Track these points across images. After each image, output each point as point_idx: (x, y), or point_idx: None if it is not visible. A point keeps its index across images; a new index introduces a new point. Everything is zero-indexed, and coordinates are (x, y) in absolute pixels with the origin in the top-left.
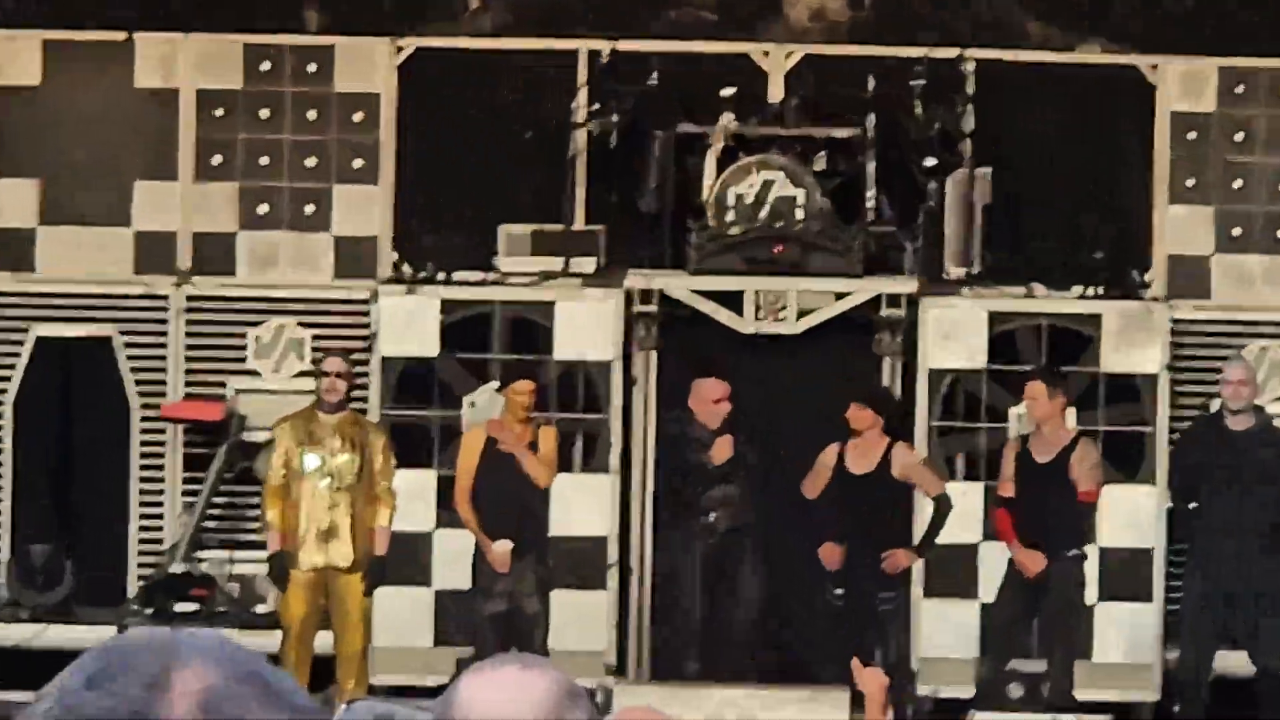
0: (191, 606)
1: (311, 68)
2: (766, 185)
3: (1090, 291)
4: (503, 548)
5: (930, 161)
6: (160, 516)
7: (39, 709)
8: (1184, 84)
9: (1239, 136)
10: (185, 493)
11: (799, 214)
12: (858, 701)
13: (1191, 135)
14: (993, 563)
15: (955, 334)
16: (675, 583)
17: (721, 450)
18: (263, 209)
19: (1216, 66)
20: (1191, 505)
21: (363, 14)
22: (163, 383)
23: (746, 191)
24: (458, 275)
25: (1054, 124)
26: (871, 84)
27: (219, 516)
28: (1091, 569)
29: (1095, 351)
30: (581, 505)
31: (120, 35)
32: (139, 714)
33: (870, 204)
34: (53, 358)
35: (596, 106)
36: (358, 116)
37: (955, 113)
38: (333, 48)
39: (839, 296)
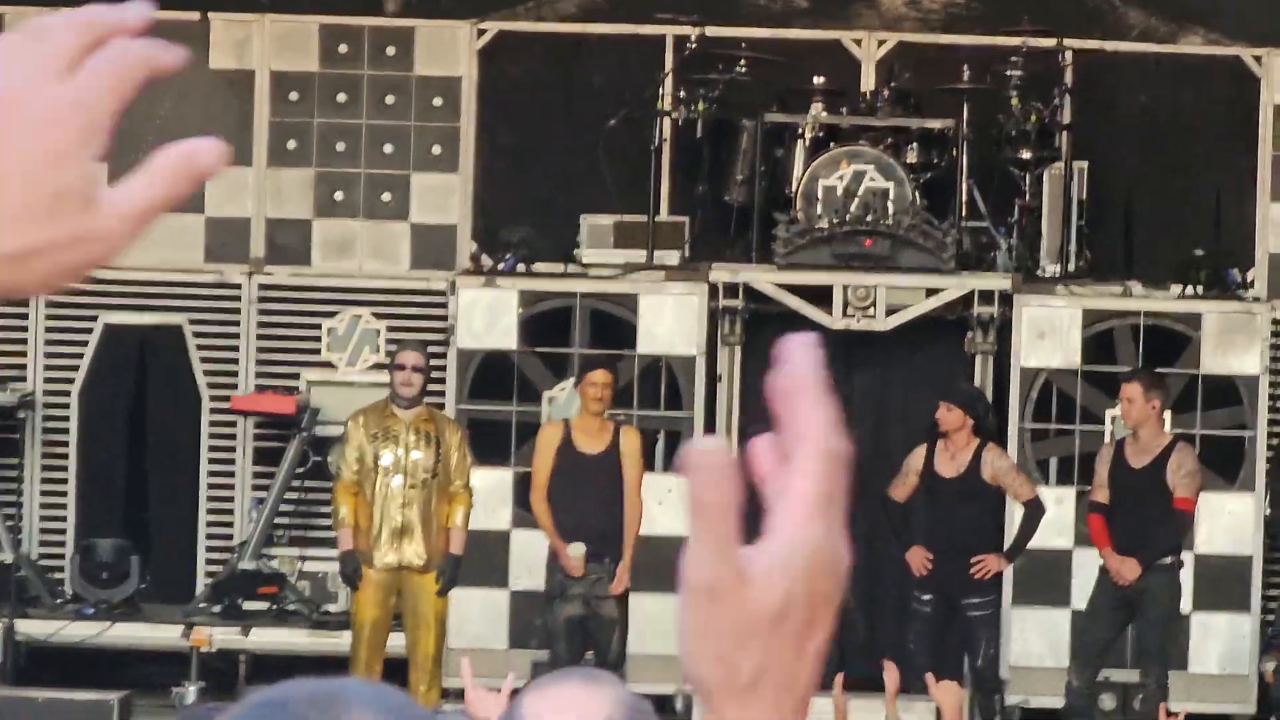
0: (261, 605)
1: (390, 51)
2: (857, 177)
3: (1190, 290)
4: (576, 551)
5: (1026, 155)
6: (230, 511)
7: None
8: None
9: None
10: (255, 487)
11: (890, 207)
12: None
13: None
14: (1086, 570)
15: (1050, 333)
16: None
17: None
18: (338, 196)
19: None
20: None
21: None
22: (234, 374)
23: (836, 184)
24: (538, 266)
25: (1154, 117)
26: (966, 74)
27: (290, 513)
28: (1187, 578)
29: (1194, 353)
30: (663, 506)
31: (195, 15)
32: None
33: (964, 198)
34: (122, 347)
35: (683, 94)
36: (437, 101)
37: (1053, 105)
38: (412, 30)
39: (930, 293)
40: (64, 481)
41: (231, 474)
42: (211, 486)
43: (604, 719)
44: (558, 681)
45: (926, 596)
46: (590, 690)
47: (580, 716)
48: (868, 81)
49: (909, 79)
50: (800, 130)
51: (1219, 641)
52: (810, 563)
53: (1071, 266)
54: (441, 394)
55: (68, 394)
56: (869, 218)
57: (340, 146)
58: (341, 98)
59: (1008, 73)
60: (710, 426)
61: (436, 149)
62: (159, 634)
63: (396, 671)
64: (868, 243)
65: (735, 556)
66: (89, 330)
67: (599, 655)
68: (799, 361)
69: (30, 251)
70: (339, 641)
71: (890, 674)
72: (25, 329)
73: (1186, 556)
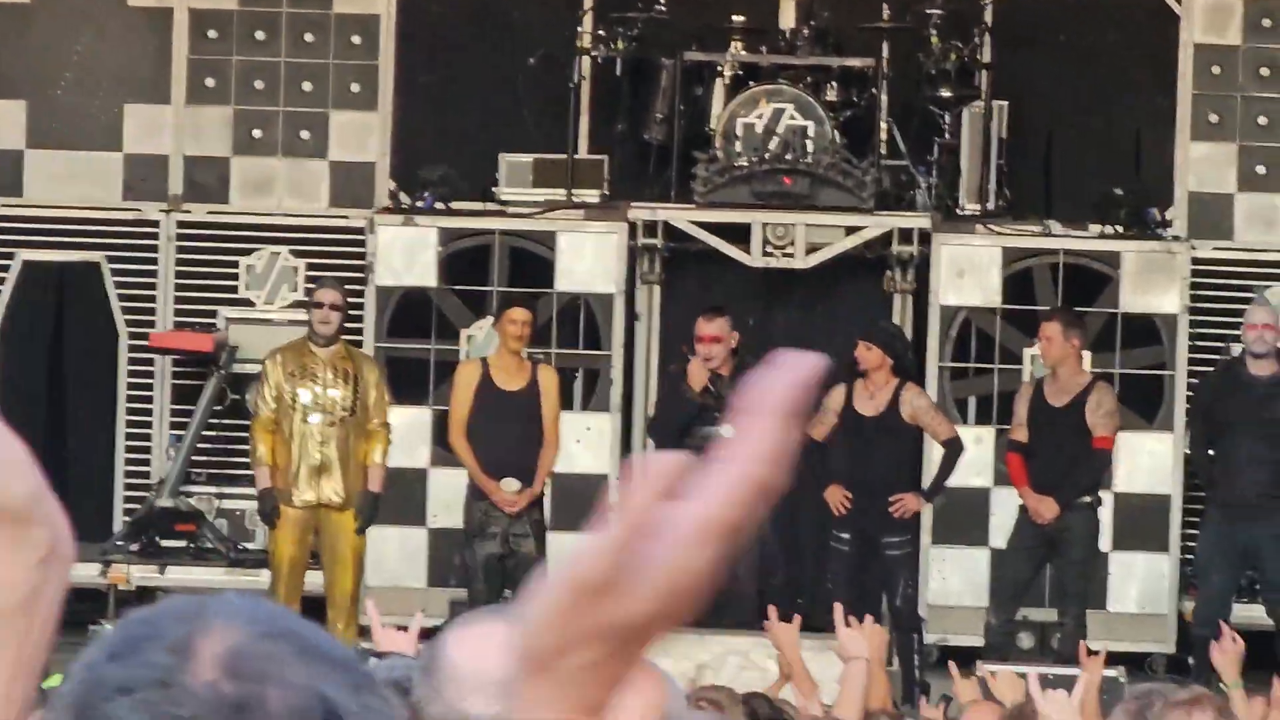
0: (179, 543)
1: None
2: (776, 116)
3: (1109, 229)
4: (510, 486)
5: (947, 94)
6: (148, 449)
7: (63, 690)
8: (1209, 16)
9: (1264, 71)
10: (173, 425)
11: (809, 146)
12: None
13: (1216, 69)
14: (1004, 509)
15: (969, 271)
16: None
17: (697, 375)
18: (257, 133)
19: None
20: (1210, 452)
21: None
22: (152, 311)
23: (755, 122)
24: (457, 204)
25: (1074, 56)
26: (886, 12)
27: (208, 450)
28: (1106, 517)
29: (1114, 292)
30: (581, 444)
31: None
32: (163, 681)
33: (883, 137)
34: (40, 284)
35: (602, 32)
36: (356, 39)
37: (973, 44)
38: None
39: (849, 231)
40: None
41: (149, 412)
42: (130, 424)
43: None
44: (480, 621)
45: (845, 535)
46: (510, 630)
47: (502, 655)
48: (787, 20)
49: (828, 17)
50: (720, 69)
51: (1138, 580)
52: (681, 588)
53: (991, 205)
54: (360, 332)
55: None
56: (788, 156)
57: (259, 84)
58: (260, 35)
59: (928, 11)
60: (629, 365)
61: (355, 87)
62: (76, 571)
63: (314, 609)
64: (787, 181)
65: (629, 564)
66: (6, 268)
67: (517, 593)
68: (780, 380)
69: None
70: (257, 579)
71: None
72: None
73: (1105, 496)
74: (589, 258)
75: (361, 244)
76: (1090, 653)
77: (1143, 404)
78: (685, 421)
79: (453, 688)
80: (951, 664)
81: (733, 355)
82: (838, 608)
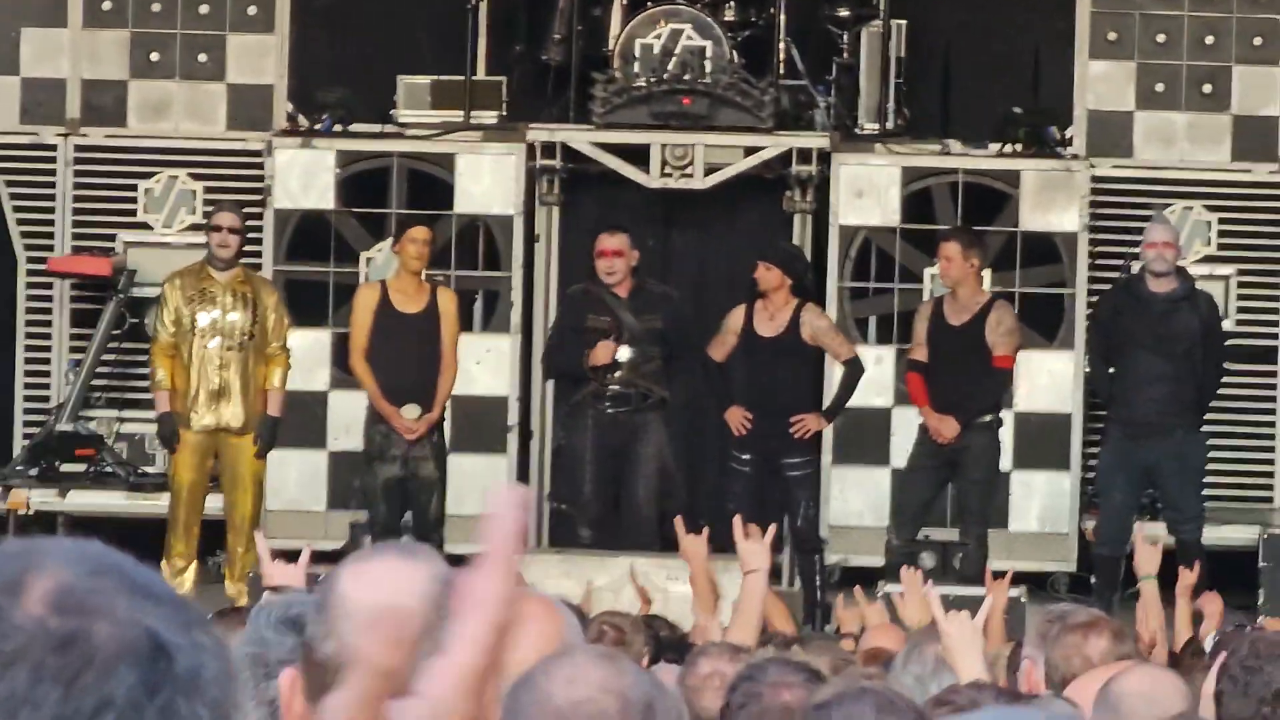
0: (78, 467)
1: None
2: (674, 36)
3: (1008, 148)
4: (411, 413)
5: (844, 13)
6: (47, 374)
7: None
8: None
9: None
10: (72, 350)
11: (707, 66)
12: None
13: None
14: (905, 429)
15: (868, 191)
16: (569, 454)
17: (600, 354)
18: (154, 56)
19: None
20: (1110, 370)
21: None
22: (50, 236)
23: (653, 43)
24: (355, 127)
25: None
26: None
27: (107, 375)
28: (1007, 436)
29: (1013, 210)
30: (480, 365)
31: None
32: None
33: (782, 56)
34: None
35: None
36: None
37: None
38: None
39: (748, 152)
40: None
41: (48, 336)
42: (28, 349)
43: (420, 594)
44: (373, 557)
45: (746, 456)
46: (406, 565)
47: (396, 592)
48: None
49: None
50: None
51: (1039, 499)
52: None
53: (890, 125)
54: (258, 255)
55: None
56: (687, 76)
57: (156, 7)
58: None
59: None
60: (529, 286)
61: (252, 9)
62: None
63: (215, 532)
64: (686, 101)
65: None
66: None
67: (417, 516)
68: (503, 523)
69: None
70: (157, 503)
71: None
72: None
73: (1006, 415)
74: (487, 179)
75: (260, 167)
76: (995, 575)
77: (1043, 323)
78: (577, 373)
79: (347, 624)
80: (857, 588)
81: (632, 274)
82: (736, 520)
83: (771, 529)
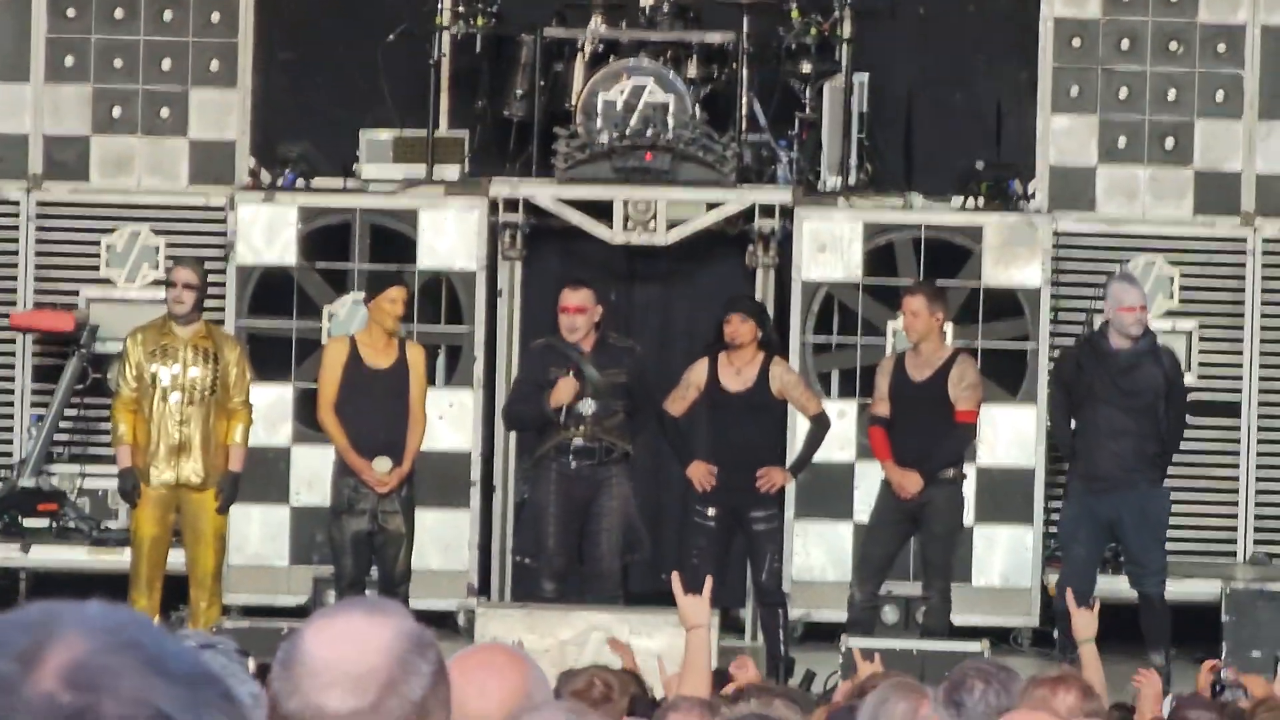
0: (41, 522)
1: None
2: (636, 91)
3: (971, 202)
4: (382, 466)
5: (807, 68)
6: (9, 429)
7: None
8: None
9: (1124, 44)
10: (35, 404)
11: (670, 121)
12: (728, 624)
13: (1076, 42)
14: (868, 483)
15: (831, 246)
16: (532, 508)
17: (561, 391)
18: (117, 112)
19: None
20: (1072, 425)
21: None
22: (13, 291)
23: (616, 98)
24: (318, 181)
25: (934, 29)
26: None
27: (69, 430)
28: (969, 490)
29: (975, 265)
30: (444, 420)
31: None
32: (2, 688)
33: (744, 112)
34: None
35: (461, 9)
36: (215, 16)
37: (833, 18)
38: None
39: (710, 207)
40: None
41: (11, 391)
42: None
43: (386, 651)
44: (339, 612)
45: (710, 510)
46: (372, 621)
47: (362, 648)
48: None
49: None
50: (580, 44)
51: (1001, 554)
52: None
53: (852, 179)
54: (221, 310)
55: None
56: (649, 132)
57: (118, 63)
58: (119, 13)
59: None
60: (491, 340)
61: (215, 64)
62: None
63: (177, 588)
64: (648, 157)
65: None
66: None
67: (383, 570)
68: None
69: None
70: (119, 559)
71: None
72: None
73: (968, 469)
74: (450, 234)
75: (222, 222)
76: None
77: (1005, 377)
78: (540, 423)
79: (310, 682)
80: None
81: (595, 329)
82: (675, 577)
83: (709, 582)
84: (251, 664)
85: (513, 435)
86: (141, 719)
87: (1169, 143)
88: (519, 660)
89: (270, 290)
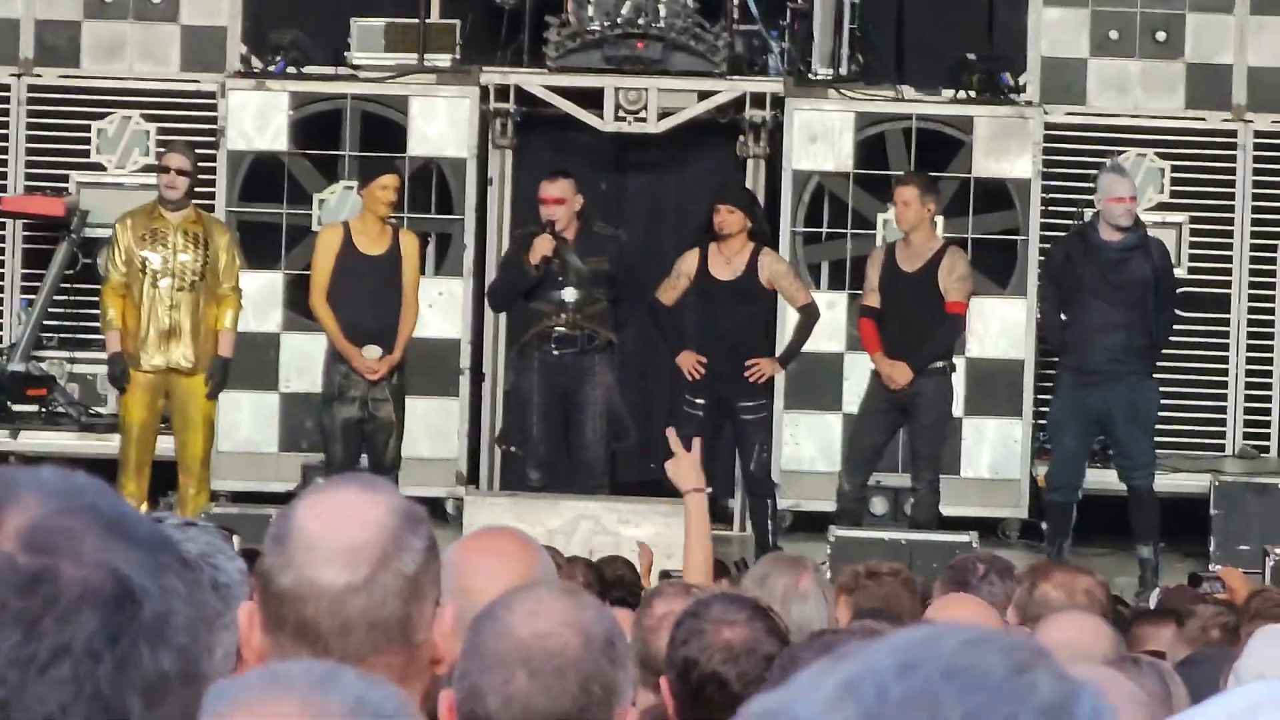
0: (30, 407)
1: None
2: None
3: (962, 94)
4: (372, 354)
5: None
6: None
7: None
8: None
9: None
10: (24, 290)
11: (661, 10)
12: (717, 514)
13: None
14: (857, 374)
15: (822, 136)
16: (516, 397)
17: (539, 247)
18: None
19: None
20: (1062, 317)
21: None
22: (3, 175)
23: None
24: (309, 69)
25: None
26: None
27: (59, 315)
28: (959, 382)
29: (966, 156)
30: (433, 309)
31: None
32: None
33: (736, 1)
34: None
35: None
36: None
37: None
38: None
39: (702, 96)
40: None
41: (1, 276)
42: None
43: (379, 526)
44: (332, 489)
45: (699, 400)
46: (365, 498)
47: (356, 524)
48: None
49: None
50: None
51: (990, 446)
52: None
53: (844, 70)
54: (211, 196)
55: None
56: (641, 21)
57: None
58: None
59: None
60: (481, 229)
61: None
62: None
63: (167, 474)
64: (640, 46)
65: None
66: None
67: (373, 458)
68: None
69: None
70: (108, 444)
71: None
72: None
73: (958, 361)
74: (441, 122)
75: (213, 108)
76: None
77: (995, 269)
78: (522, 288)
79: (304, 556)
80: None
81: (578, 219)
82: (670, 433)
83: (697, 443)
84: (236, 542)
85: (502, 324)
86: (100, 581)
87: (1161, 35)
88: (528, 545)
89: (261, 177)
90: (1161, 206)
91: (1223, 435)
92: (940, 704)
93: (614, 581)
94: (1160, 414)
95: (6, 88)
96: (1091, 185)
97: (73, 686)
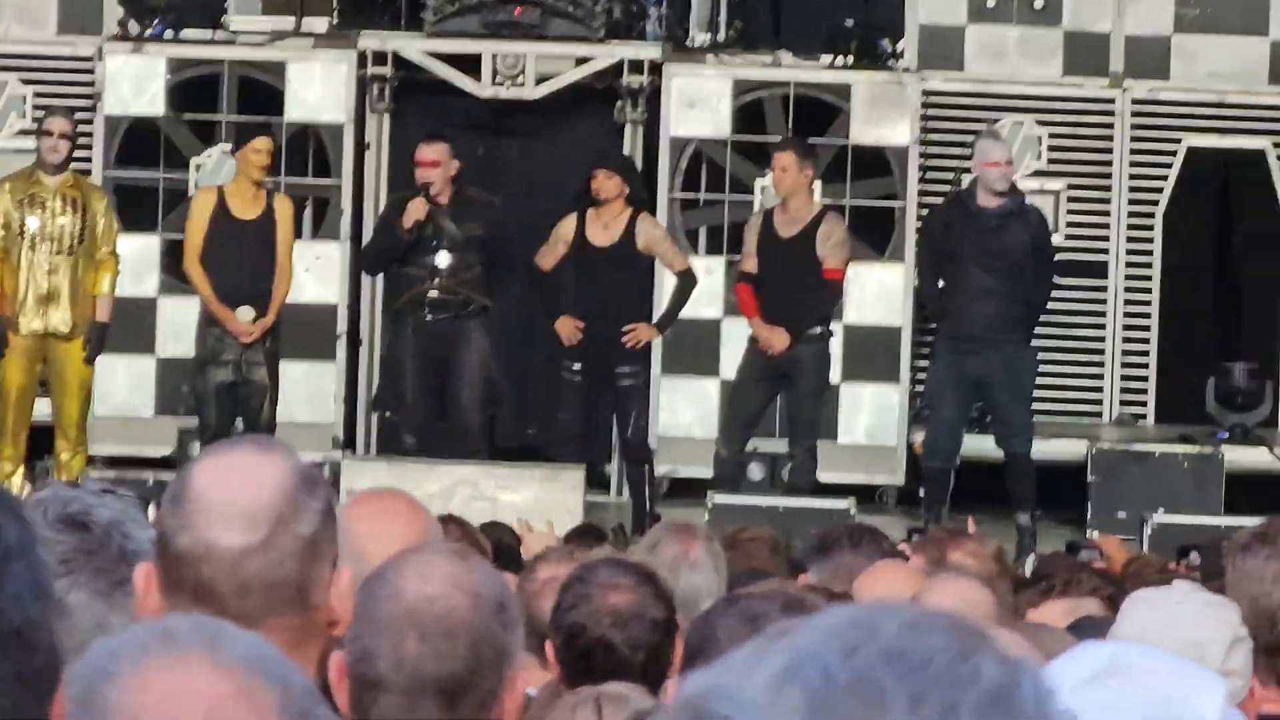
0: None
1: None
2: None
3: (840, 61)
4: (245, 315)
5: None
6: None
7: None
8: None
9: None
10: None
11: None
12: (594, 479)
13: None
14: (735, 340)
15: (699, 102)
16: (390, 362)
17: (412, 210)
18: None
19: None
20: (940, 284)
21: None
22: None
23: None
24: (186, 33)
25: None
26: None
27: None
28: (837, 348)
29: (844, 123)
30: (309, 273)
31: None
32: None
33: None
34: None
35: None
36: None
37: None
38: None
39: (580, 62)
40: None
41: None
42: None
43: (277, 488)
44: (229, 450)
45: (577, 366)
46: (263, 459)
47: (253, 485)
48: None
49: None
50: None
51: (868, 412)
52: None
53: (721, 36)
54: (88, 161)
55: None
56: None
57: None
58: None
59: None
60: (359, 194)
61: None
62: None
63: (43, 437)
64: (517, 11)
65: None
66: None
67: (248, 421)
68: None
69: None
70: None
71: None
72: None
73: (836, 327)
74: (318, 87)
75: (90, 72)
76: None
77: (873, 235)
78: (395, 252)
79: (201, 518)
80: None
81: (453, 183)
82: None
83: None
84: (152, 511)
85: (379, 288)
86: None
87: (1039, 3)
88: (418, 507)
89: (138, 141)
90: (1039, 174)
91: (1100, 403)
92: (884, 688)
93: (494, 546)
94: (1038, 381)
95: None
96: (969, 152)
97: None
